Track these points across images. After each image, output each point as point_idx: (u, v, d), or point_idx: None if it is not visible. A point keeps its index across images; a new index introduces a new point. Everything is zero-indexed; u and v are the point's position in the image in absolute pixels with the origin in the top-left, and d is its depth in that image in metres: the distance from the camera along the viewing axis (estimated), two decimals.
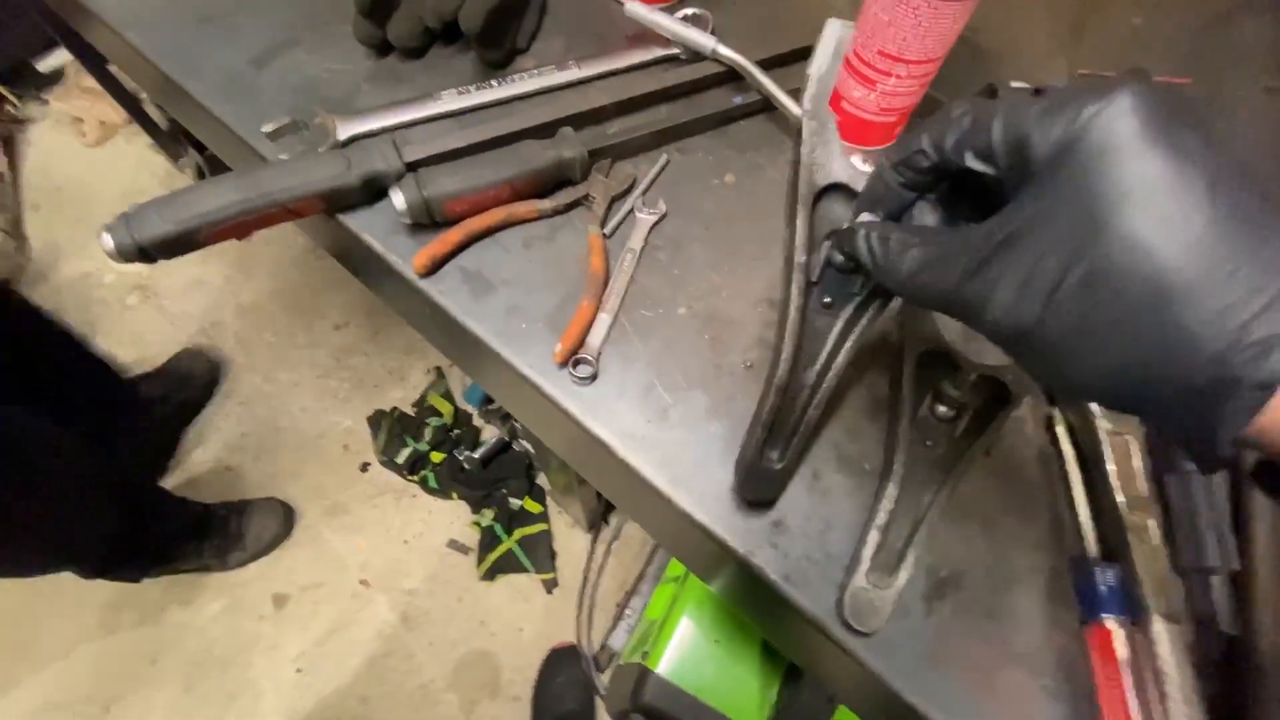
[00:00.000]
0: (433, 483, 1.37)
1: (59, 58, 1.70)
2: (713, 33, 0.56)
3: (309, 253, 1.59)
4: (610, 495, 0.65)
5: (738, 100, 0.57)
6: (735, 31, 0.57)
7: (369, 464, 1.41)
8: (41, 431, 0.95)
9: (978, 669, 0.40)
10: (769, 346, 0.46)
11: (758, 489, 0.40)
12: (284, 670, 1.23)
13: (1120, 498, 0.42)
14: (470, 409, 1.45)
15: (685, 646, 0.72)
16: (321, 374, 1.49)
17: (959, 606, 0.42)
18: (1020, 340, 0.24)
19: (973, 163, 0.26)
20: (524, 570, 1.31)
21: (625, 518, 1.31)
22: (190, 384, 1.41)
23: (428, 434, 1.38)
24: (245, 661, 1.24)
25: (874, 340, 0.47)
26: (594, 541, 1.27)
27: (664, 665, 0.71)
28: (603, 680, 1.11)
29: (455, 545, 1.34)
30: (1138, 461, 0.44)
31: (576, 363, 0.45)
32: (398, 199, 0.46)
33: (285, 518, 1.32)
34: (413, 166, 0.49)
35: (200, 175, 1.59)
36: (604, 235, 0.50)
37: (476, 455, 1.35)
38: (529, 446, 1.28)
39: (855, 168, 0.35)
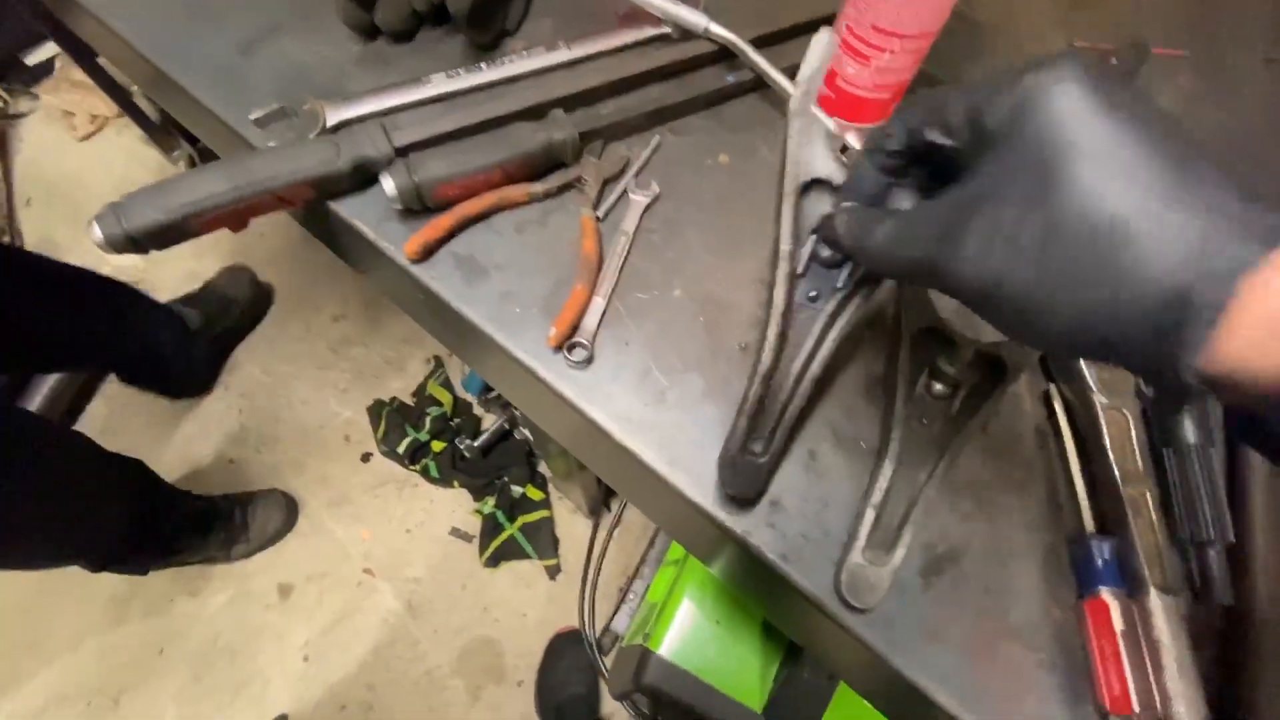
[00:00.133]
0: (434, 472, 1.37)
1: (47, 50, 1.68)
2: (704, 11, 0.55)
3: (305, 244, 1.59)
4: (608, 479, 0.65)
5: (731, 79, 0.56)
6: (727, 9, 0.56)
7: (370, 454, 1.41)
8: (48, 428, 0.96)
9: (974, 643, 0.40)
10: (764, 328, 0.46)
11: (740, 484, 0.40)
12: (291, 659, 1.24)
13: (1117, 472, 0.42)
14: (470, 398, 1.46)
15: (686, 627, 0.72)
16: (321, 365, 1.50)
17: (956, 582, 0.42)
18: (991, 297, 0.25)
19: (935, 137, 0.28)
20: (527, 557, 1.32)
21: (626, 502, 1.32)
22: (229, 312, 1.42)
23: (428, 423, 1.39)
24: (253, 651, 1.25)
25: (870, 319, 0.47)
26: (595, 527, 1.28)
27: (665, 646, 0.71)
28: (606, 663, 1.12)
29: (458, 533, 1.35)
30: (1134, 435, 0.44)
31: (571, 347, 0.45)
32: (388, 184, 0.46)
33: (289, 509, 1.33)
34: (403, 151, 0.48)
35: (193, 167, 1.57)
36: (597, 218, 0.50)
37: (477, 444, 1.35)
38: (529, 434, 1.29)
39: (837, 164, 0.37)
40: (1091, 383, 0.44)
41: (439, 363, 1.50)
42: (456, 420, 1.42)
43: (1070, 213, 0.23)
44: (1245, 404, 0.22)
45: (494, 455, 1.38)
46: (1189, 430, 0.42)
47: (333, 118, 0.50)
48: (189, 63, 0.55)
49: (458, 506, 1.38)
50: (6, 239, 1.55)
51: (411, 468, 1.39)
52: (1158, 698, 0.37)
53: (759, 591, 0.50)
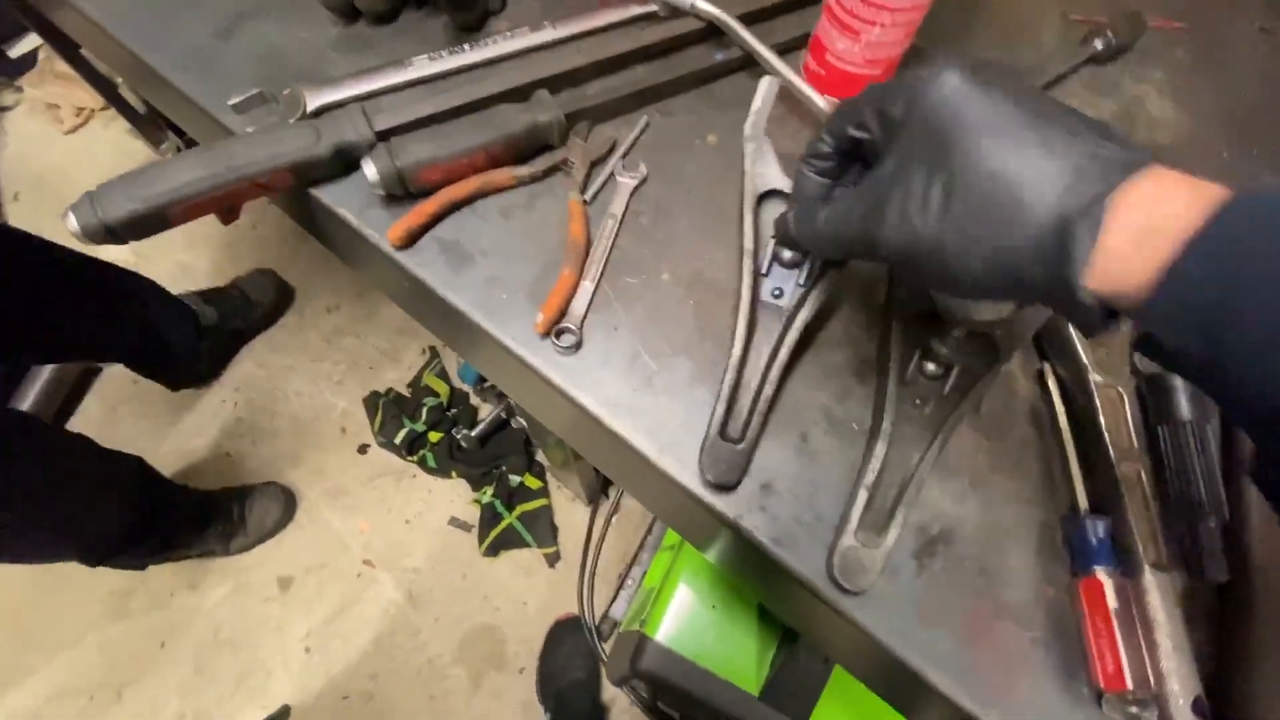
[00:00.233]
0: (431, 462, 1.37)
1: (30, 42, 1.66)
2: None
3: (297, 235, 1.57)
4: (601, 466, 0.65)
5: (719, 57, 0.55)
6: None
7: (367, 446, 1.41)
8: (45, 426, 0.95)
9: (968, 624, 0.40)
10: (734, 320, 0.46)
11: (719, 470, 0.41)
12: (293, 650, 1.25)
13: (1111, 450, 0.42)
14: (466, 387, 1.45)
15: (682, 613, 0.72)
16: (315, 357, 1.49)
17: (949, 563, 0.41)
18: (913, 256, 0.29)
19: (855, 132, 0.33)
20: (526, 545, 1.32)
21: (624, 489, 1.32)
22: (248, 313, 1.44)
23: (424, 414, 1.38)
24: (254, 643, 1.25)
25: (829, 309, 0.47)
26: (594, 514, 1.28)
27: (662, 632, 0.71)
28: (606, 649, 1.13)
29: (457, 523, 1.35)
30: (1128, 413, 0.43)
31: (559, 332, 0.44)
32: (369, 169, 0.45)
33: (286, 502, 1.33)
34: (384, 135, 0.47)
35: None
36: (584, 201, 0.49)
37: (474, 434, 1.35)
38: (525, 423, 1.28)
39: (787, 177, 0.45)
40: (1086, 361, 0.44)
41: (434, 353, 1.49)
42: (453, 410, 1.42)
43: (963, 173, 0.27)
44: (1138, 320, 0.26)
45: (491, 445, 1.37)
46: (1184, 406, 0.42)
47: (313, 102, 0.49)
48: (166, 48, 0.54)
49: (456, 496, 1.38)
50: None
51: (409, 458, 1.38)
52: (1152, 676, 0.37)
53: (753, 576, 0.49)
